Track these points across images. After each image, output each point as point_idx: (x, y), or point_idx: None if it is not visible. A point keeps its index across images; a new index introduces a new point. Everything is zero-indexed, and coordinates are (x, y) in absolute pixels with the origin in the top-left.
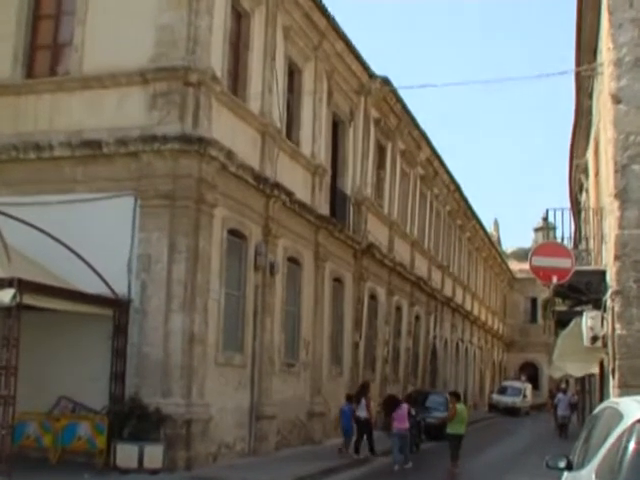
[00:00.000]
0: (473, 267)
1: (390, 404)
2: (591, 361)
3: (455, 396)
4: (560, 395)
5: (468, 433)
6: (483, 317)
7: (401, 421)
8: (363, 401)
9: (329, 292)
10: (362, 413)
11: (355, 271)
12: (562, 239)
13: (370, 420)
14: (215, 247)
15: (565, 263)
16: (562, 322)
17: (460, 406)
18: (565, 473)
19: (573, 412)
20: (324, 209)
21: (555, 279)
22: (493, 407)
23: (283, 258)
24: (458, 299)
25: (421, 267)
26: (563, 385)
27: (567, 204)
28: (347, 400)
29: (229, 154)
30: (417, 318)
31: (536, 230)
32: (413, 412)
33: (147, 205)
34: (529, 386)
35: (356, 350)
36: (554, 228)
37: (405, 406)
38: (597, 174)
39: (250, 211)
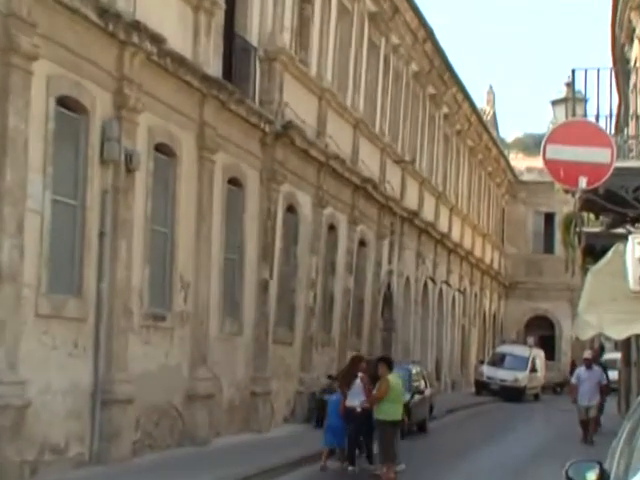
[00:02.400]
0: (451, 163)
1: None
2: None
3: (385, 362)
4: (581, 371)
5: (442, 429)
6: (468, 243)
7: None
8: (358, 383)
9: (221, 201)
10: (356, 401)
11: (263, 167)
12: (596, 117)
13: (370, 412)
14: (36, 126)
15: (600, 155)
16: (594, 251)
17: (394, 378)
18: None
19: (605, 398)
20: (214, 67)
21: (584, 182)
22: (483, 386)
23: (148, 146)
24: (427, 214)
25: (370, 162)
26: (588, 353)
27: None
28: (329, 379)
29: None
30: (362, 244)
31: (555, 103)
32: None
33: None
34: (540, 354)
35: (264, 294)
36: (584, 100)
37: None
38: None
39: (94, 68)
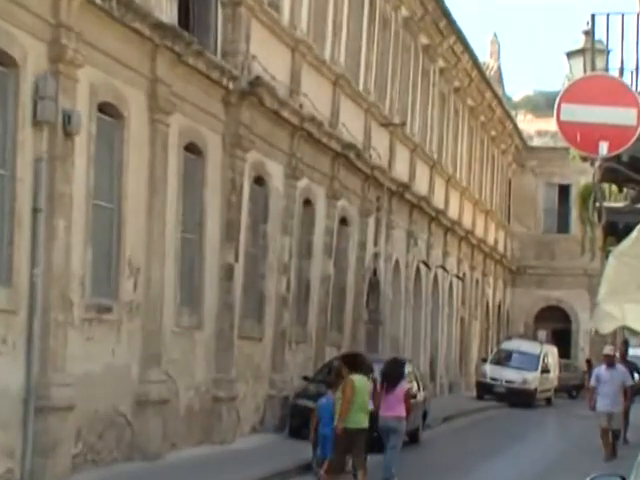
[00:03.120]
0: (448, 126)
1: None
2: None
3: (349, 363)
4: (602, 370)
5: (437, 439)
6: (468, 221)
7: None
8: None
9: (177, 172)
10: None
11: (227, 132)
12: (620, 71)
13: (375, 418)
14: None
15: (625, 116)
16: (617, 230)
17: (359, 380)
18: None
19: (631, 404)
20: (168, 13)
21: (605, 147)
22: (486, 389)
23: (89, 106)
24: (419, 186)
25: (353, 126)
26: (609, 349)
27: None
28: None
29: None
30: (344, 222)
31: (571, 55)
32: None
33: None
34: (553, 351)
35: (228, 281)
36: (606, 51)
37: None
38: None
39: (25, 13)
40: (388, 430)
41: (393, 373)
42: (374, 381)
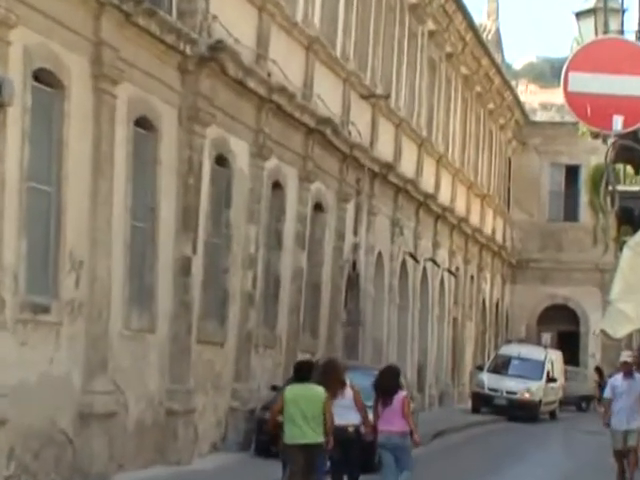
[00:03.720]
0: (439, 98)
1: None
2: None
3: (295, 370)
4: (617, 380)
5: (426, 458)
6: (461, 207)
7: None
8: (348, 392)
9: (126, 150)
10: (346, 420)
11: (183, 104)
12: (637, 35)
13: (364, 435)
14: None
15: None
16: (632, 217)
17: (294, 389)
18: None
19: None
20: None
21: (619, 122)
22: (483, 401)
23: (24, 73)
24: (406, 167)
25: (329, 97)
26: (627, 355)
27: None
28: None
29: None
30: (319, 208)
31: (580, 16)
32: None
33: None
34: (558, 356)
35: (185, 276)
36: (620, 11)
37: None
38: None
39: None
40: (389, 448)
41: (389, 384)
42: (352, 388)
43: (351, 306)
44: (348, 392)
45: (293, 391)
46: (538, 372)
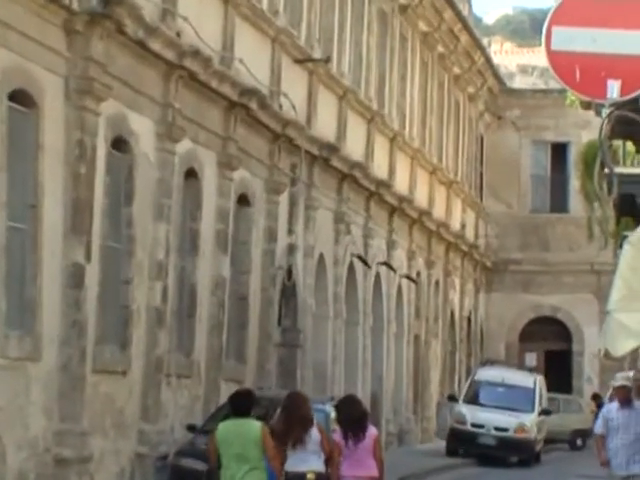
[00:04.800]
0: (392, 61)
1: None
2: None
3: (240, 402)
4: (613, 410)
5: None
6: (422, 197)
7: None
8: (314, 436)
9: None
10: (306, 465)
11: (70, 72)
12: None
13: None
14: None
15: None
16: (634, 206)
17: (229, 426)
18: None
19: None
20: None
21: (616, 88)
22: (461, 439)
23: None
24: (352, 149)
25: (254, 61)
26: (623, 377)
27: None
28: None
29: None
30: (244, 201)
31: None
32: None
33: None
34: (542, 381)
35: (77, 290)
36: None
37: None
38: None
39: None
40: None
41: (359, 415)
42: (319, 427)
43: (287, 323)
44: (314, 433)
45: (226, 428)
46: (529, 402)
